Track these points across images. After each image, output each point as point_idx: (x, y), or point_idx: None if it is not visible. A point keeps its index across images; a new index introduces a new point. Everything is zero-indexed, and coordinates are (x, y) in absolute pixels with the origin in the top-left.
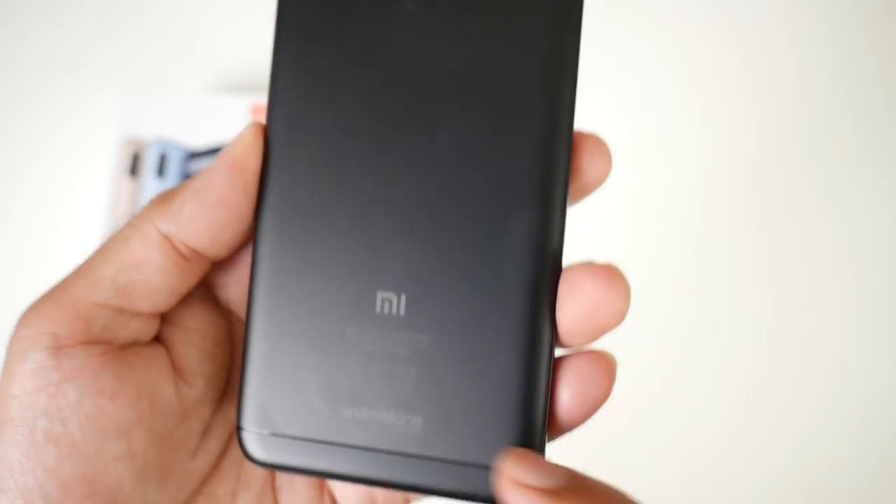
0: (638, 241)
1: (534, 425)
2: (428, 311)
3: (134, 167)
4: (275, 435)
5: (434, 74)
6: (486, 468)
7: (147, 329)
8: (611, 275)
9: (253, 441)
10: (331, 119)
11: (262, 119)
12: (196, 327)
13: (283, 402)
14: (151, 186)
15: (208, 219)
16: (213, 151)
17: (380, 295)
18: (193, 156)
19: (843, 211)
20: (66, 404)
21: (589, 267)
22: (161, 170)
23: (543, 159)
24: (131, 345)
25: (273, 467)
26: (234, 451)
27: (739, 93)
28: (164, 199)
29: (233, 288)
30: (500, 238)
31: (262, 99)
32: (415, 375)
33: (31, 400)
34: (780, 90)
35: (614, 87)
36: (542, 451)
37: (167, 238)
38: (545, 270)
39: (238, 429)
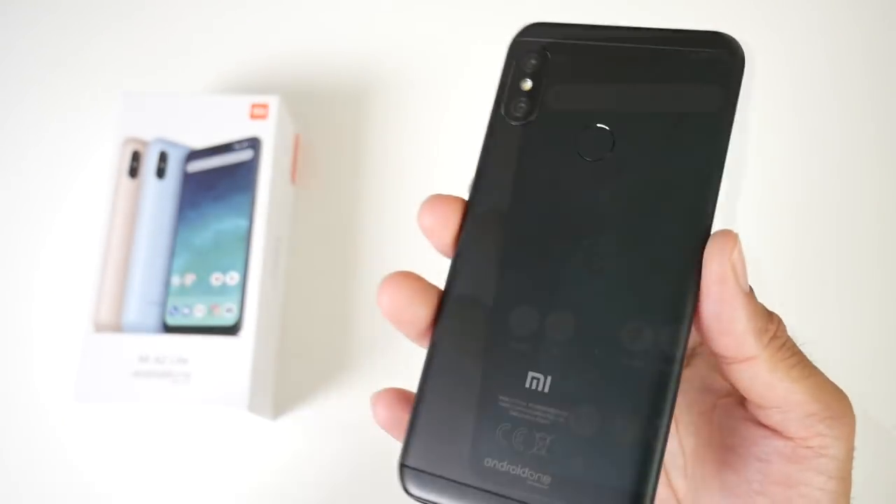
0: None
1: (643, 500)
2: (566, 393)
3: (134, 167)
4: (428, 473)
5: (592, 209)
6: None
7: None
8: None
9: (411, 476)
10: (504, 235)
11: None
12: None
13: (439, 448)
14: (151, 187)
15: None
16: (214, 152)
17: (530, 374)
18: (193, 156)
19: None
20: None
21: None
22: (161, 170)
23: (677, 287)
24: None
25: (422, 500)
26: None
27: None
28: None
29: None
30: (631, 347)
31: (262, 99)
32: (549, 443)
33: None
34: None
35: None
36: None
37: None
38: (667, 379)
39: (401, 465)
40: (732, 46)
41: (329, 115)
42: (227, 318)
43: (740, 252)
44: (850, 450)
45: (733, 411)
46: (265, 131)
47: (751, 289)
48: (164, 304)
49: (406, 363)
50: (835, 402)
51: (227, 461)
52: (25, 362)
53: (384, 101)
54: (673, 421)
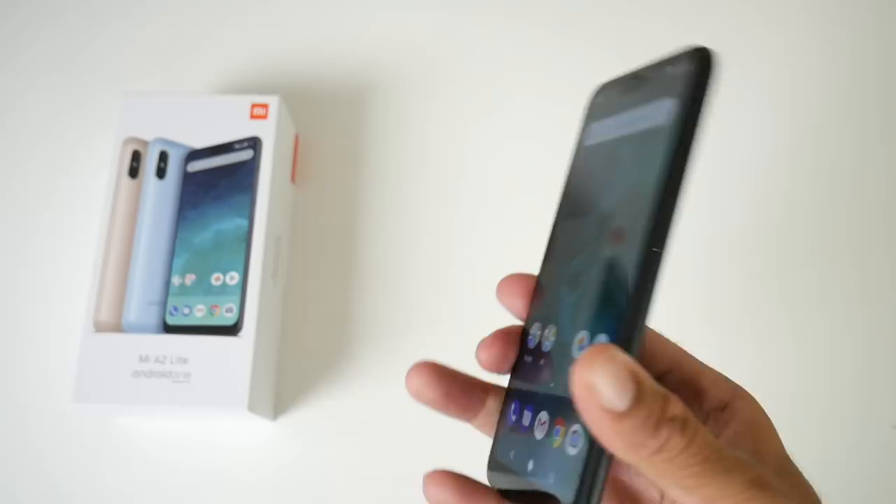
0: None
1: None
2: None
3: (134, 167)
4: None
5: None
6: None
7: None
8: None
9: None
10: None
11: None
12: None
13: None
14: (151, 187)
15: None
16: (214, 152)
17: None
18: (193, 156)
19: None
20: None
21: None
22: (161, 170)
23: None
24: None
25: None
26: None
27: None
28: None
29: None
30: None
31: (262, 99)
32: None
33: None
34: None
35: None
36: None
37: None
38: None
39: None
40: (695, 57)
41: (329, 115)
42: (228, 318)
43: (617, 364)
44: None
45: None
46: (265, 131)
47: (639, 383)
48: (164, 304)
49: (406, 363)
50: None
51: (228, 461)
52: (25, 362)
53: (384, 101)
54: None
